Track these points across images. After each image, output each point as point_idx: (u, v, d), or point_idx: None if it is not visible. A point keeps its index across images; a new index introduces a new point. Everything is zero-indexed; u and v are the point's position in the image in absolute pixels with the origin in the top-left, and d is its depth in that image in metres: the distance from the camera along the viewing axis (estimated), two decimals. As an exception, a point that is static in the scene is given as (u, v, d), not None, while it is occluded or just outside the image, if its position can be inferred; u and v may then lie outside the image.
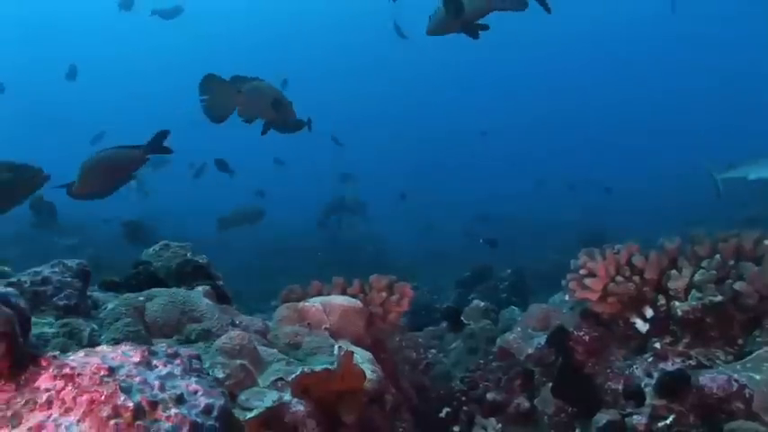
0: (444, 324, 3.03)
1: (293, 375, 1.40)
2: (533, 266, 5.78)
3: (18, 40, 19.96)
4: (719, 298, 1.74)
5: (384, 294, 2.04)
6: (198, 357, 1.07)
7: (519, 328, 2.24)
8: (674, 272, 1.89)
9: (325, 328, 1.88)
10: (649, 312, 1.92)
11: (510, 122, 21.45)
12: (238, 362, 1.38)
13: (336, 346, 1.61)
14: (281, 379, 1.39)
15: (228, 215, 6.75)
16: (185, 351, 1.06)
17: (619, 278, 1.96)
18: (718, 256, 1.82)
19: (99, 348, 1.08)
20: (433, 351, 2.76)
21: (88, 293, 1.68)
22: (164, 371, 0.98)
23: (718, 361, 1.69)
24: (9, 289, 1.08)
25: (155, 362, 1.00)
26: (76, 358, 1.00)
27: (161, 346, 1.04)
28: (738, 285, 1.74)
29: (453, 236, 10.47)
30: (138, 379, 0.93)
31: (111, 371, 0.93)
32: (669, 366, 1.73)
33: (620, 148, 19.25)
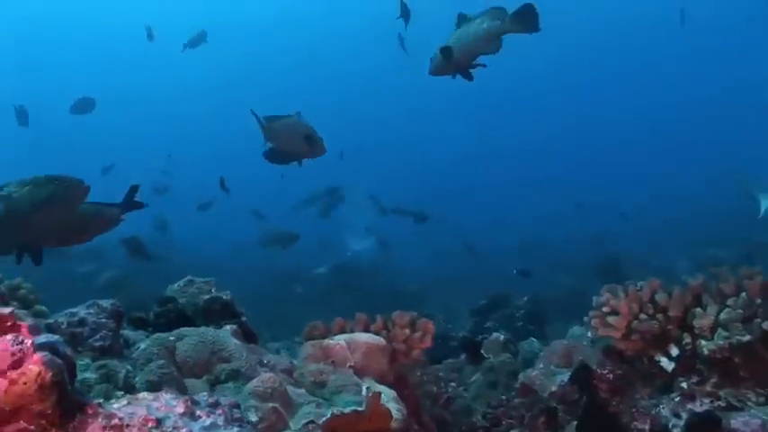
0: (463, 356, 3.03)
1: (324, 418, 1.41)
2: (549, 294, 5.75)
3: (31, 64, 20.32)
4: (748, 337, 1.73)
5: (407, 331, 2.05)
6: (237, 406, 1.09)
7: (541, 365, 2.23)
8: (698, 310, 1.89)
9: (350, 366, 1.90)
10: (674, 351, 1.91)
11: (513, 144, 21.49)
12: (270, 405, 1.39)
13: (364, 388, 1.63)
14: (312, 422, 1.41)
15: (263, 237, 7.09)
16: (225, 400, 1.08)
17: (642, 316, 1.96)
18: (744, 294, 1.82)
19: (141, 396, 1.11)
20: (453, 384, 2.76)
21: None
22: (207, 421, 1.00)
23: (749, 403, 1.67)
24: (56, 337, 1.12)
25: (198, 412, 1.02)
26: (122, 408, 1.03)
27: (203, 395, 1.07)
28: (767, 325, 1.73)
29: (464, 260, 10.45)
30: (184, 431, 0.96)
31: (159, 422, 0.95)
32: (697, 407, 1.72)
33: (626, 166, 19.13)
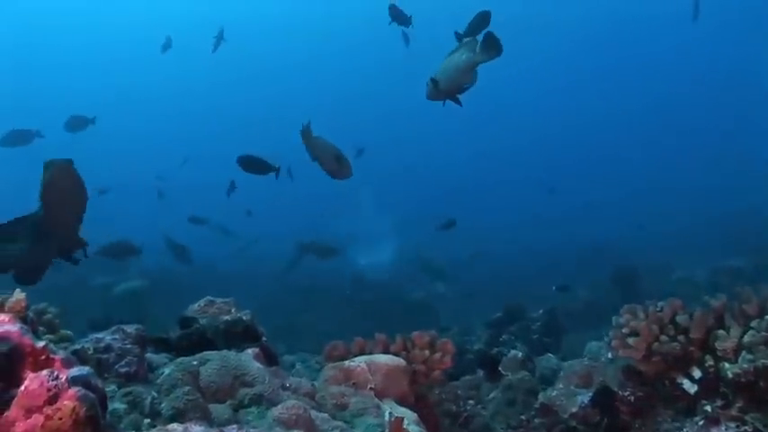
0: (481, 372, 3.02)
1: (347, 445, 1.42)
2: (564, 305, 5.70)
3: (30, 66, 20.24)
4: (773, 362, 1.71)
5: (427, 352, 2.06)
6: (265, 438, 1.11)
7: (561, 385, 2.22)
8: (721, 332, 1.87)
9: (371, 388, 1.90)
10: (697, 373, 1.89)
11: (515, 144, 21.25)
12: (295, 432, 1.41)
13: (386, 411, 1.64)
14: (335, 449, 1.42)
15: (305, 247, 7.48)
16: (254, 433, 1.09)
17: (663, 337, 1.94)
18: (768, 316, 1.80)
19: (171, 428, 1.13)
20: (471, 402, 2.75)
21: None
22: (237, 456, 1.02)
23: (776, 429, 1.65)
24: (87, 368, 1.14)
25: (227, 446, 1.04)
26: (153, 441, 1.05)
27: (232, 428, 1.08)
28: (793, 349, 1.71)
29: (474, 268, 10.36)
30: (215, 467, 0.97)
31: (190, 458, 0.97)
32: (723, 431, 1.70)
33: (636, 166, 18.77)
